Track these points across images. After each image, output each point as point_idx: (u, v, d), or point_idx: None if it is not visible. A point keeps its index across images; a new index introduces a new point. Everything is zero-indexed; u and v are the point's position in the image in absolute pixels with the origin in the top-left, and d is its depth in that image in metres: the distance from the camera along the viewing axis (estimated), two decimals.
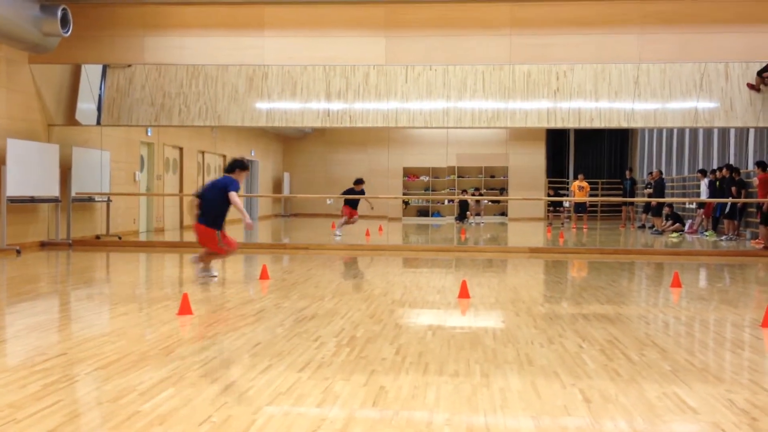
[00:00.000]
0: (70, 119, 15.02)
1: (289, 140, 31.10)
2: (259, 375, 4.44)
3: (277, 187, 30.44)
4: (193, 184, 21.46)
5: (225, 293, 8.43)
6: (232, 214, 9.12)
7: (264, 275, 9.38)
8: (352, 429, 3.48)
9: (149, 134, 18.25)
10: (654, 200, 19.94)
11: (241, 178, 9.40)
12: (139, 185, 18.07)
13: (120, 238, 15.64)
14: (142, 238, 17.13)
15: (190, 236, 17.87)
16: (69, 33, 12.56)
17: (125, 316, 6.60)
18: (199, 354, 4.99)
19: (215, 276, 9.35)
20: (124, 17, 13.31)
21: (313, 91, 14.14)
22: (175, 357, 4.90)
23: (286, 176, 30.60)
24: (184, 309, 6.57)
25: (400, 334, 5.81)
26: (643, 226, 22.14)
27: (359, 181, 17.76)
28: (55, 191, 13.70)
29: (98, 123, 15.08)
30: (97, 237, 15.48)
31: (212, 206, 9.02)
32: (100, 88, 14.98)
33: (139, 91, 14.64)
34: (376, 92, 14.14)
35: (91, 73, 14.97)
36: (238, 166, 9.34)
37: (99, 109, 15.00)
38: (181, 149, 20.55)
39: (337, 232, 17.32)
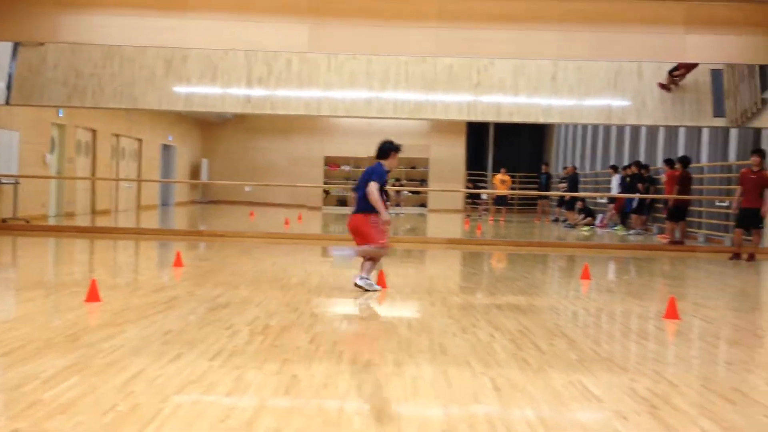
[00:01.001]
0: None
1: (209, 126, 30.58)
2: (168, 363, 4.35)
3: (195, 172, 29.90)
4: (107, 168, 20.88)
5: (137, 280, 8.25)
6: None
7: (178, 262, 9.19)
8: (262, 418, 3.45)
9: (61, 115, 17.65)
10: (567, 194, 20.46)
11: (395, 162, 8.13)
12: (49, 168, 17.46)
13: (27, 221, 15.09)
14: (52, 222, 16.57)
15: (102, 221, 17.42)
16: None
17: (31, 302, 6.37)
18: (106, 341, 4.86)
19: (377, 289, 7.60)
20: None
21: (234, 76, 13.91)
22: (81, 344, 4.76)
23: (205, 162, 30.10)
24: (93, 296, 6.38)
25: (316, 322, 5.80)
26: (557, 220, 22.70)
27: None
28: None
29: (7, 102, 14.46)
30: (3, 220, 14.88)
31: (359, 199, 7.93)
32: (10, 67, 14.37)
33: (51, 71, 14.10)
34: (299, 80, 14.02)
35: (1, 51, 14.34)
36: (390, 148, 7.96)
37: (9, 87, 14.39)
38: (94, 131, 19.95)
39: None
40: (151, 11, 12.52)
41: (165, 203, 26.56)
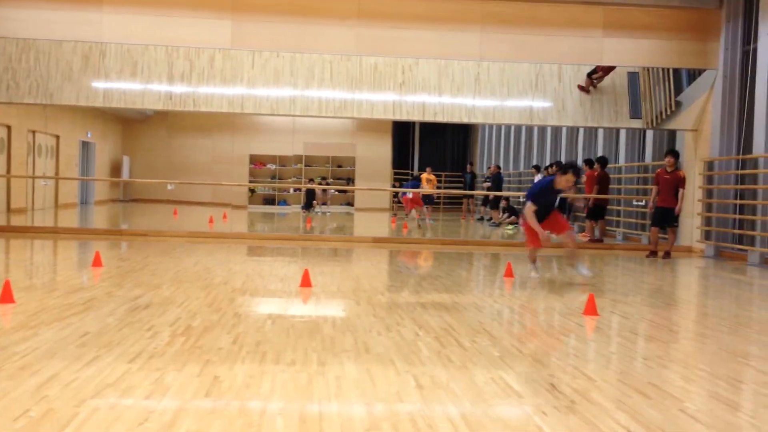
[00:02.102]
0: None
1: (130, 122, 29.89)
2: (84, 366, 4.23)
3: (116, 170, 29.19)
4: (22, 165, 20.18)
5: (54, 281, 7.99)
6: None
7: (97, 262, 8.95)
8: (181, 420, 3.38)
9: None
10: (491, 193, 20.76)
11: (566, 184, 8.79)
12: None
13: None
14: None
15: (17, 220, 16.83)
16: None
17: None
18: (19, 345, 4.69)
19: (535, 276, 9.23)
20: None
21: (154, 72, 13.61)
22: None
23: (126, 160, 29.42)
24: (6, 297, 6.16)
25: (239, 323, 5.72)
26: (482, 218, 23.01)
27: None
28: None
29: None
30: None
31: None
32: None
33: None
34: (222, 76, 13.82)
35: None
36: (570, 168, 8.81)
37: None
38: (9, 127, 19.25)
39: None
40: (67, 4, 12.17)
41: (84, 201, 25.84)
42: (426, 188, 22.87)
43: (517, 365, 4.66)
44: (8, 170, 19.25)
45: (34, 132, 21.10)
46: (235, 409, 3.59)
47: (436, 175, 28.25)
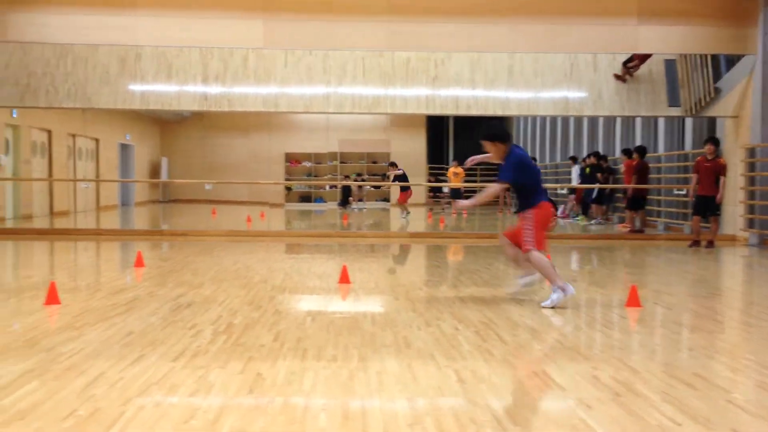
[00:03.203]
0: None
1: (167, 124, 30.23)
2: (129, 366, 4.29)
3: (155, 172, 29.56)
4: (64, 168, 20.54)
5: (97, 282, 8.12)
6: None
7: (139, 263, 9.07)
8: (226, 417, 3.41)
9: (14, 116, 17.30)
10: None
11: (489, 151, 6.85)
12: (4, 170, 17.11)
13: None
14: (9, 225, 16.24)
15: (60, 223, 17.13)
16: None
17: None
18: (66, 345, 4.77)
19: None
20: None
21: (189, 73, 13.75)
22: (40, 349, 4.67)
23: (164, 161, 29.77)
24: (52, 299, 6.27)
25: (279, 320, 5.76)
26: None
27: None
28: None
29: None
30: None
31: None
32: None
33: (2, 71, 13.81)
34: (256, 76, 13.91)
35: None
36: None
37: None
38: (49, 132, 19.59)
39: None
40: (102, 9, 12.32)
41: (125, 203, 26.21)
42: (453, 182, 22.82)
43: (559, 358, 4.62)
44: (50, 174, 19.60)
45: (74, 136, 21.45)
46: (278, 406, 3.61)
47: (470, 169, 28.11)
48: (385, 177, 19.86)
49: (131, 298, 6.67)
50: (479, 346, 4.93)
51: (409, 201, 19.73)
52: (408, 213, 19.29)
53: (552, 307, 6.33)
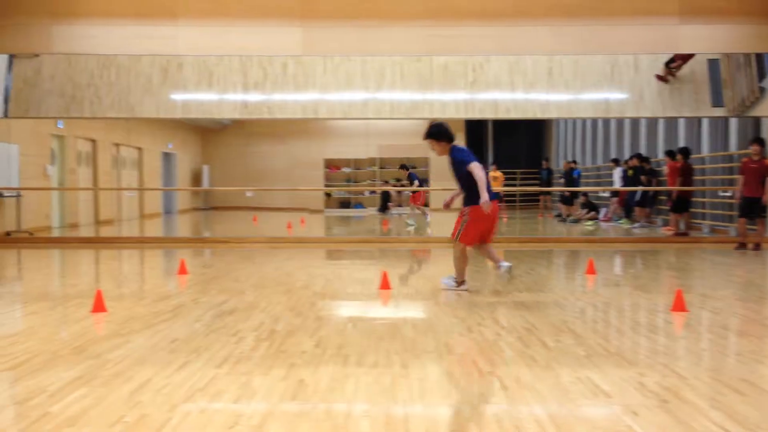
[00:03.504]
0: None
1: (208, 132, 30.58)
2: (175, 372, 4.34)
3: (197, 179, 29.91)
4: (108, 177, 20.89)
5: (142, 289, 8.24)
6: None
7: (182, 270, 9.19)
8: (270, 424, 3.44)
9: (60, 126, 17.66)
10: (565, 189, 20.47)
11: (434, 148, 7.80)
12: (50, 179, 17.47)
13: (31, 234, 15.09)
14: (55, 233, 16.57)
15: (105, 231, 17.42)
16: None
17: (36, 314, 6.37)
18: (112, 352, 4.85)
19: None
20: (30, 4, 12.78)
21: (229, 81, 13.89)
22: (88, 356, 4.75)
23: (206, 169, 30.11)
24: (98, 306, 6.38)
25: (321, 326, 5.78)
26: (560, 215, 22.66)
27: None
28: None
29: (5, 115, 14.46)
30: (8, 233, 14.89)
31: None
32: (6, 79, 14.37)
33: (48, 82, 14.09)
34: (295, 83, 14.00)
35: None
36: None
37: (6, 100, 14.39)
38: (94, 142, 19.96)
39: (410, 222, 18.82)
40: (143, 20, 12.52)
41: (168, 211, 26.56)
42: (492, 186, 22.74)
43: (603, 364, 4.57)
44: (95, 183, 19.96)
45: (118, 145, 21.81)
46: (321, 412, 3.62)
47: (510, 173, 27.98)
48: (412, 183, 19.83)
49: (175, 305, 6.76)
50: (522, 351, 4.90)
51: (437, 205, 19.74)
52: (417, 215, 19.45)
53: (444, 289, 7.48)
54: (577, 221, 19.90)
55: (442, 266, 10.29)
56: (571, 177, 21.44)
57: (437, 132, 7.68)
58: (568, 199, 20.96)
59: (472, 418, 3.53)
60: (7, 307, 6.91)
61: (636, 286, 8.19)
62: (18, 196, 15.29)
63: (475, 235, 7.51)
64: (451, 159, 7.72)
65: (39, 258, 11.72)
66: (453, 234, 7.60)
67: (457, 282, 7.60)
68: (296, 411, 3.65)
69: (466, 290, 7.53)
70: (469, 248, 7.64)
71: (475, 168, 7.36)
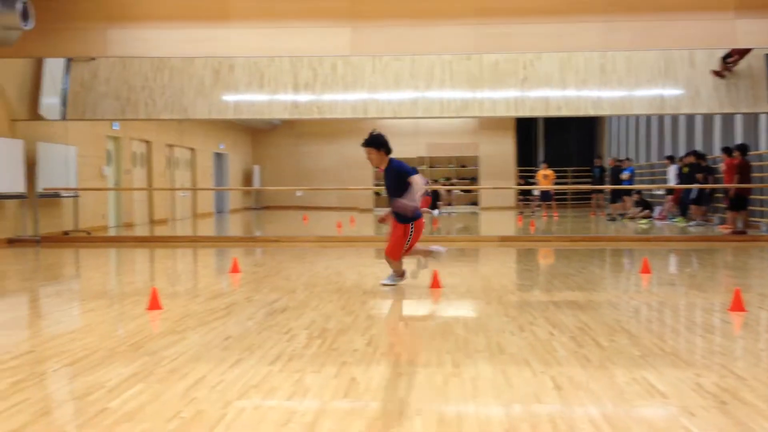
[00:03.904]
0: (34, 114, 14.77)
1: (258, 132, 30.90)
2: (229, 369, 4.40)
3: (248, 179, 30.25)
4: (162, 178, 21.26)
5: (196, 287, 8.37)
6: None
7: (235, 269, 9.31)
8: (322, 421, 3.46)
9: (115, 128, 18.03)
10: (611, 187, 20.16)
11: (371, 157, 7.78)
12: (107, 180, 17.86)
13: (89, 233, 15.45)
14: (112, 233, 16.94)
15: (160, 230, 17.74)
16: (30, 26, 12.32)
17: (94, 312, 6.51)
18: (168, 349, 4.94)
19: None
20: (87, 9, 13.08)
21: (280, 82, 14.03)
22: (144, 352, 4.84)
23: (256, 169, 30.42)
24: (154, 304, 6.50)
25: (372, 325, 5.80)
26: (611, 217, 22.34)
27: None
28: (20, 187, 13.49)
29: (63, 117, 14.85)
30: (66, 233, 15.27)
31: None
32: (64, 82, 14.75)
33: (103, 85, 14.43)
34: (344, 83, 14.07)
35: (54, 67, 14.74)
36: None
37: (63, 103, 14.77)
38: (148, 143, 20.33)
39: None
40: (196, 22, 12.71)
41: (220, 210, 26.92)
42: (543, 185, 22.52)
43: (659, 364, 4.49)
44: (149, 183, 20.34)
45: (171, 146, 22.19)
46: (374, 410, 3.64)
47: (561, 171, 27.68)
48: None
49: (229, 303, 6.85)
50: (575, 351, 4.84)
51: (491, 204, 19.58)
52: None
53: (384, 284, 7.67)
54: (631, 218, 19.60)
55: (493, 264, 10.24)
56: (616, 174, 21.16)
57: (378, 141, 7.60)
58: (614, 198, 20.70)
59: (526, 418, 3.50)
60: (66, 304, 7.08)
61: (692, 286, 8.03)
62: (75, 196, 15.67)
63: (409, 249, 7.67)
64: (389, 170, 7.62)
65: (96, 257, 11.99)
66: (394, 251, 7.60)
67: (398, 276, 7.84)
68: (348, 409, 3.67)
69: (406, 278, 7.84)
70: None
71: (418, 180, 7.38)
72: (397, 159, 7.70)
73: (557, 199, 27.06)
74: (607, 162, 25.55)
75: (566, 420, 3.45)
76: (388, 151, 7.66)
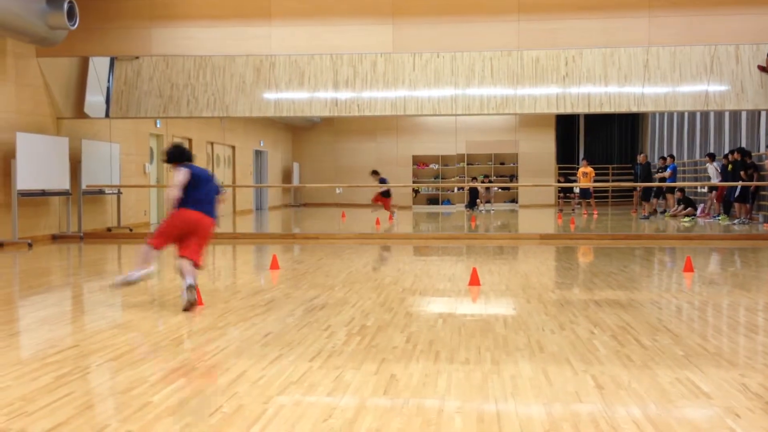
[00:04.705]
0: (79, 112, 15.04)
1: (298, 130, 31.07)
2: (269, 365, 4.44)
3: (287, 177, 30.43)
4: None
5: (236, 284, 8.44)
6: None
7: (274, 265, 9.38)
8: (363, 417, 3.47)
9: (158, 126, 18.27)
10: (655, 185, 19.87)
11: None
12: (149, 177, 18.10)
13: (131, 230, 15.68)
14: (153, 229, 17.15)
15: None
16: (76, 26, 12.55)
17: (137, 307, 6.61)
18: (209, 344, 5.00)
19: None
20: (131, 9, 13.30)
21: (320, 80, 14.09)
22: (186, 348, 4.90)
23: (296, 166, 30.59)
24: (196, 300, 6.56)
25: (411, 322, 5.80)
26: (655, 212, 22.03)
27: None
28: (65, 184, 13.74)
29: (107, 115, 15.09)
30: (108, 229, 15.52)
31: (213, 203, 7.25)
32: (108, 81, 14.99)
33: (147, 83, 14.62)
34: (384, 80, 14.08)
35: (98, 66, 14.98)
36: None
37: (107, 101, 15.01)
38: (190, 140, 20.55)
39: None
40: (238, 21, 12.85)
41: (259, 207, 27.14)
42: (583, 182, 22.30)
43: (703, 364, 4.42)
44: None
45: (212, 143, 22.42)
46: (413, 408, 3.64)
47: (602, 168, 27.36)
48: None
49: (268, 300, 6.90)
50: (617, 350, 4.79)
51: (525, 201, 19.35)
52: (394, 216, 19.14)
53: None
54: (673, 215, 19.31)
55: (532, 262, 10.17)
56: (647, 172, 20.88)
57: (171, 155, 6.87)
58: (645, 196, 20.45)
59: (567, 417, 3.47)
60: (109, 300, 7.19)
61: (735, 285, 7.89)
62: (119, 193, 15.91)
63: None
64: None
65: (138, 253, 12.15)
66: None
67: (136, 277, 6.73)
68: (388, 406, 3.68)
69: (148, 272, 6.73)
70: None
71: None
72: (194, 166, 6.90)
73: (598, 197, 26.76)
74: (657, 159, 25.23)
75: (608, 420, 3.42)
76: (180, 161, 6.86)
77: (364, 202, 28.54)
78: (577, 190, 24.81)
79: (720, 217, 18.01)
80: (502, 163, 29.15)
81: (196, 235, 6.62)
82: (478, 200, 26.31)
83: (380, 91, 14.12)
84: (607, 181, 29.03)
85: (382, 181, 19.77)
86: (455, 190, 29.37)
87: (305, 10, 12.85)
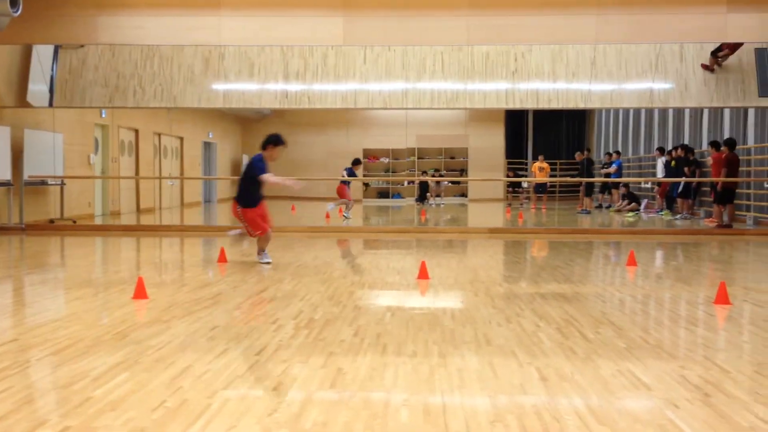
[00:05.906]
0: (21, 101, 14.67)
1: (248, 122, 30.79)
2: (215, 359, 4.39)
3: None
4: (149, 166, 21.16)
5: (182, 276, 8.34)
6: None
7: (222, 258, 9.28)
8: (309, 411, 3.46)
9: (103, 116, 17.92)
10: (603, 180, 20.22)
11: (274, 154, 9.75)
12: (93, 168, 17.75)
13: (74, 221, 15.37)
14: (98, 221, 16.85)
15: (146, 219, 17.67)
16: (19, 12, 12.21)
17: (79, 300, 6.48)
18: (154, 338, 4.92)
19: (269, 261, 9.17)
20: None
21: (270, 71, 13.97)
22: (130, 342, 4.82)
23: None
24: (140, 293, 6.47)
25: (359, 315, 5.80)
26: (600, 206, 22.43)
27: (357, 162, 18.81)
28: (6, 175, 13.39)
29: (50, 105, 14.75)
30: (51, 221, 15.18)
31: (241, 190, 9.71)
32: (52, 69, 14.64)
33: (92, 72, 14.33)
34: (335, 73, 14.03)
35: (42, 54, 14.62)
36: (269, 141, 9.71)
37: (51, 90, 14.66)
38: (136, 131, 20.21)
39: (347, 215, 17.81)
40: (187, 10, 12.65)
41: (208, 200, 26.84)
42: (538, 177, 22.58)
43: (644, 357, 4.51)
44: (137, 172, 20.23)
45: (159, 134, 22.07)
46: (360, 401, 3.64)
47: (550, 163, 27.71)
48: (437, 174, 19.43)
49: (216, 293, 6.83)
50: (561, 343, 4.86)
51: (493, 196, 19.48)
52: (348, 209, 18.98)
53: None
54: (617, 211, 19.66)
55: (481, 256, 10.26)
56: (585, 168, 21.32)
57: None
58: (587, 191, 20.86)
59: (511, 409, 3.51)
60: (51, 293, 7.04)
61: (678, 279, 8.07)
62: (62, 184, 15.58)
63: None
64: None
65: (82, 245, 11.93)
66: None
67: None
68: (335, 399, 3.67)
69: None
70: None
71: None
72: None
73: (547, 192, 27.11)
74: (602, 155, 25.64)
75: (552, 411, 3.46)
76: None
77: (313, 195, 28.45)
78: (525, 185, 25.11)
79: (663, 213, 18.41)
80: (453, 158, 29.34)
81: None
82: (428, 194, 26.44)
83: (331, 84, 14.07)
84: (555, 176, 29.42)
85: (350, 173, 19.42)
86: (405, 183, 29.46)
87: (256, 1, 12.72)
